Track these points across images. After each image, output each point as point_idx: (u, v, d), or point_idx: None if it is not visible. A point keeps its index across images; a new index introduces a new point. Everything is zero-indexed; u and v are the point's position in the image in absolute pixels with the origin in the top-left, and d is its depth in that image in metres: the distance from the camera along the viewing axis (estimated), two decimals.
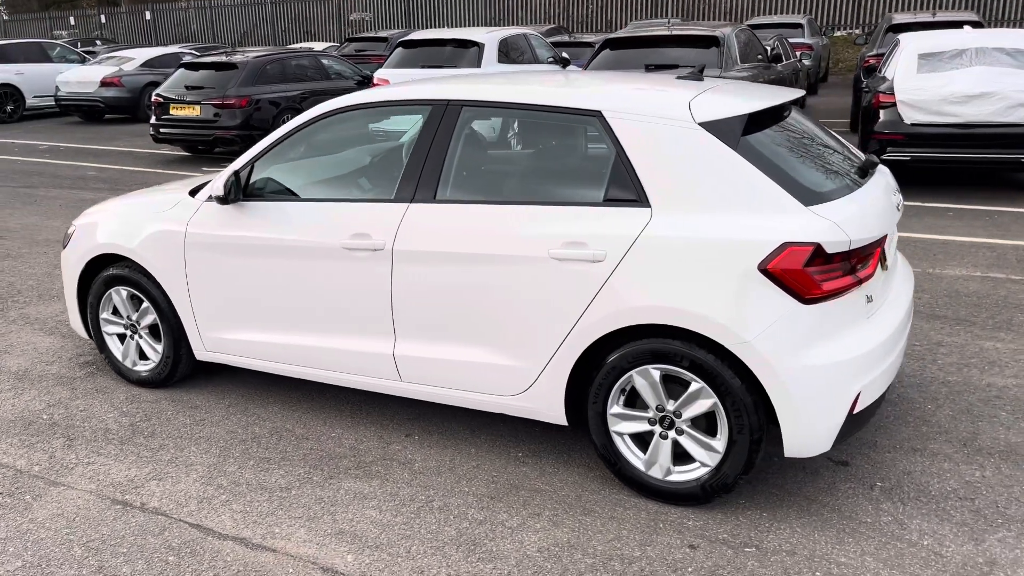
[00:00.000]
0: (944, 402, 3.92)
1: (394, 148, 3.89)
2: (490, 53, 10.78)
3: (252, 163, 3.82)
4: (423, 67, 10.77)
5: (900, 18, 13.32)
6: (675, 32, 9.16)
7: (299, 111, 11.76)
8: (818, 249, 2.81)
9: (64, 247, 4.43)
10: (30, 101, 18.05)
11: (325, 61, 12.80)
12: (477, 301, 3.28)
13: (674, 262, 2.94)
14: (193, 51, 17.79)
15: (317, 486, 3.36)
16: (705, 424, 3.06)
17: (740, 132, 3.03)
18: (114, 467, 3.54)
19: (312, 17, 28.78)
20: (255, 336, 3.86)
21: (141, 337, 4.26)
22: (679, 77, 3.66)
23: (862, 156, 3.53)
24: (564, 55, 12.49)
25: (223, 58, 11.78)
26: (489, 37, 10.94)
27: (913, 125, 8.03)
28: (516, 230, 3.19)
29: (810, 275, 2.81)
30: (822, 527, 3.00)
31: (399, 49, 11.19)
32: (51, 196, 9.68)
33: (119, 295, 4.24)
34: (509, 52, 11.18)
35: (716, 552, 2.88)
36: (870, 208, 3.06)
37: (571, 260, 3.09)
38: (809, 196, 2.94)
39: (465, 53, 10.77)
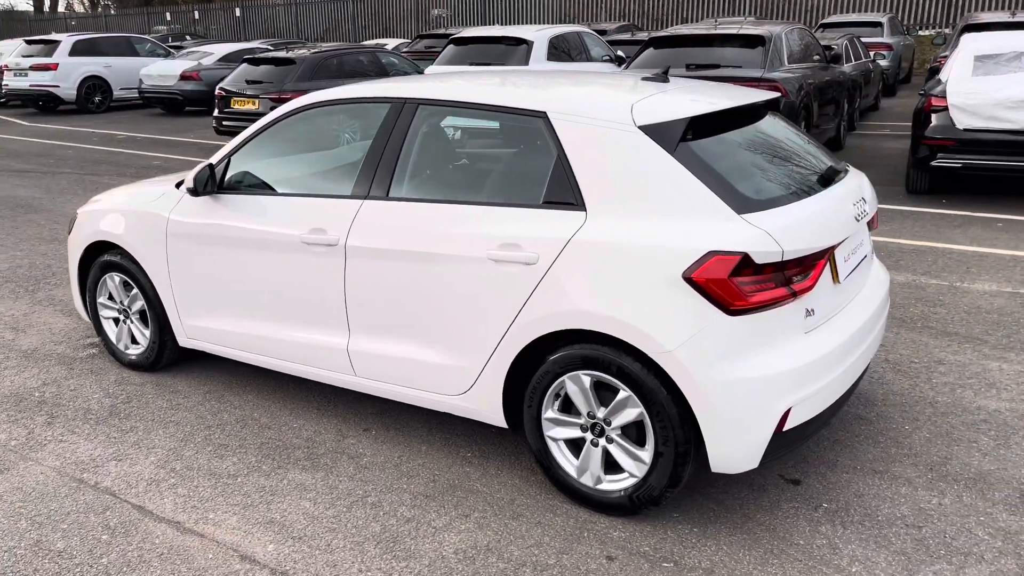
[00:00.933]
0: (924, 423, 3.73)
1: (361, 145, 3.93)
2: (539, 51, 10.75)
3: (228, 157, 3.92)
4: (471, 64, 10.82)
5: (980, 18, 12.67)
6: (719, 31, 8.94)
7: None
8: (745, 259, 2.72)
9: (69, 232, 4.65)
10: (117, 93, 18.94)
11: (385, 58, 13.00)
12: (423, 299, 3.29)
13: (602, 267, 2.89)
14: (269, 47, 18.31)
15: (263, 475, 3.43)
16: (635, 434, 2.99)
17: (680, 136, 2.95)
18: (83, 446, 3.69)
19: (392, 14, 29.26)
20: (227, 325, 3.97)
21: (132, 322, 4.44)
22: (644, 78, 3.58)
23: (828, 162, 3.39)
24: (620, 53, 12.35)
25: (283, 53, 12.10)
26: (539, 35, 10.91)
27: (965, 131, 7.65)
28: (459, 230, 3.19)
29: (736, 285, 2.72)
30: (750, 546, 2.90)
31: (450, 46, 11.28)
32: (112, 184, 10.13)
33: (113, 281, 4.42)
34: (560, 50, 11.13)
35: (632, 565, 2.82)
36: (816, 217, 2.94)
37: (506, 262, 3.07)
38: (746, 203, 2.84)
39: (514, 51, 10.77)
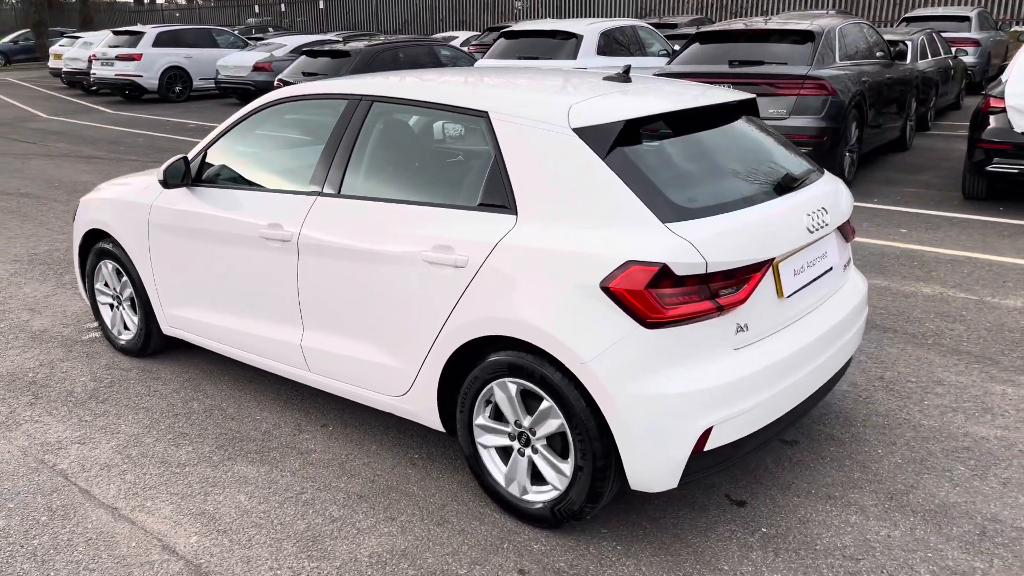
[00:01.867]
0: (900, 448, 3.50)
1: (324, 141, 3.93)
2: (588, 45, 10.60)
3: (205, 150, 3.99)
4: (520, 58, 10.75)
5: None
6: (767, 26, 8.63)
7: None
8: (664, 270, 2.59)
9: (74, 218, 4.81)
10: (196, 83, 19.61)
11: (442, 51, 13.05)
12: (367, 299, 3.27)
13: (525, 273, 2.81)
14: (337, 39, 18.63)
15: (212, 466, 3.48)
16: (560, 445, 2.90)
17: (613, 140, 2.83)
18: (54, 428, 3.82)
19: (470, 6, 29.37)
20: (201, 316, 4.04)
21: (123, 309, 4.57)
22: (605, 78, 3.46)
23: (791, 169, 3.20)
24: (676, 47, 12.06)
25: (340, 46, 12.28)
26: (589, 29, 10.75)
27: (1023, 134, 7.18)
28: (399, 229, 3.16)
29: (654, 297, 2.60)
30: (670, 568, 2.78)
31: (501, 40, 11.23)
32: None
33: (107, 268, 4.56)
34: (612, 45, 10.95)
35: None
36: (754, 228, 2.78)
37: (438, 264, 3.02)
38: (675, 212, 2.71)
39: (563, 45, 10.65)
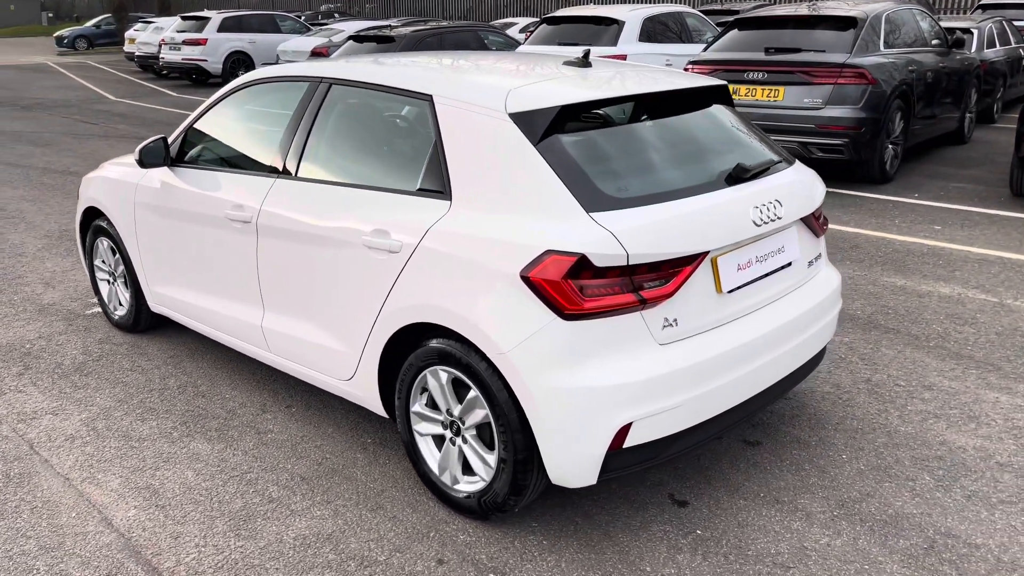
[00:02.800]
0: (867, 454, 3.34)
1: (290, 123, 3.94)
2: (630, 31, 10.41)
3: (185, 131, 4.05)
4: (560, 44, 10.63)
5: None
6: (809, 12, 8.31)
7: None
8: (582, 260, 2.51)
9: (78, 196, 4.96)
10: (258, 67, 20.01)
11: (487, 36, 13.00)
12: (317, 282, 3.28)
13: (453, 261, 2.76)
14: (393, 25, 18.75)
15: (170, 442, 3.54)
16: (488, 436, 2.86)
17: (547, 126, 2.75)
18: (33, 399, 3.95)
19: None
20: (180, 294, 4.11)
21: (117, 285, 4.69)
22: (566, 62, 3.37)
23: (748, 160, 3.06)
24: None
25: (386, 32, 12.35)
26: (632, 15, 10.56)
27: None
28: (345, 213, 3.15)
29: (572, 288, 2.52)
30: (590, 567, 2.71)
31: (543, 26, 11.12)
32: None
33: (103, 245, 4.68)
34: (655, 31, 10.73)
35: (459, 571, 2.70)
36: (688, 219, 2.67)
37: (376, 249, 3.00)
38: (602, 201, 2.62)
39: (604, 31, 10.48)
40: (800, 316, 3.07)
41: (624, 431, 2.58)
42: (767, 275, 2.98)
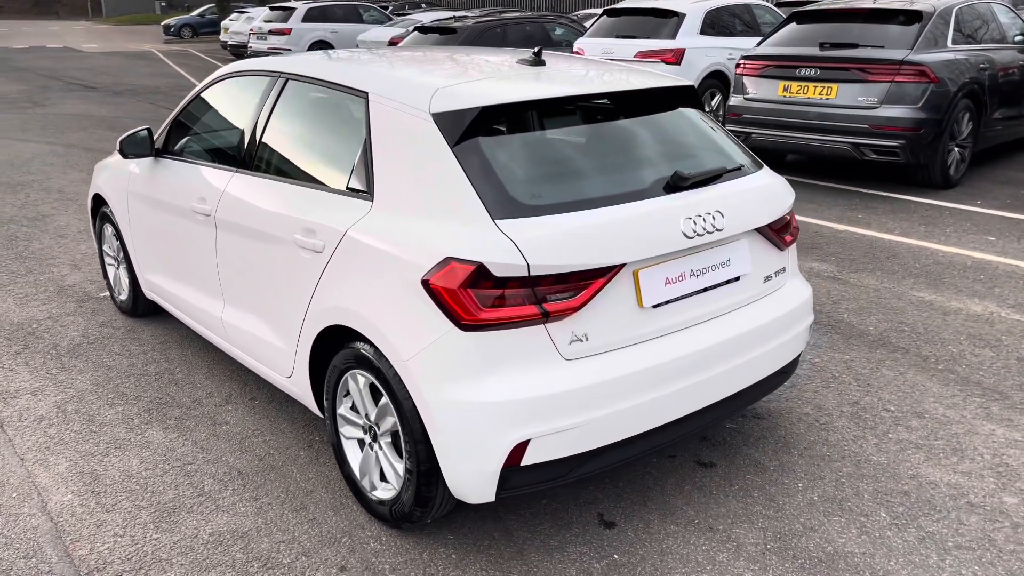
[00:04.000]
0: (825, 484, 3.12)
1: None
2: (691, 25, 10.09)
3: (171, 123, 4.12)
4: (616, 37, 10.40)
5: None
6: (872, 5, 7.86)
7: None
8: (481, 269, 2.41)
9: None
10: None
11: (554, 28, 12.85)
12: (261, 277, 3.27)
13: (366, 264, 2.70)
14: (473, 15, 18.75)
15: (128, 428, 3.61)
16: (400, 444, 2.79)
17: (467, 126, 2.65)
18: (20, 377, 4.10)
19: None
20: (162, 282, 4.19)
21: (120, 270, 4.82)
22: (519, 60, 3.25)
23: (692, 167, 2.88)
24: None
25: (450, 23, 12.36)
26: (694, 7, 10.22)
27: None
28: (284, 209, 3.13)
29: (470, 298, 2.42)
30: None
31: (603, 18, 10.90)
32: None
33: (108, 231, 4.82)
34: (718, 23, 10.37)
35: None
36: (603, 230, 2.53)
37: (304, 247, 2.96)
38: (511, 208, 2.51)
39: (663, 24, 10.19)
40: (748, 333, 2.88)
41: (521, 448, 2.46)
42: (705, 290, 2.80)
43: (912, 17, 7.58)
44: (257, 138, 3.42)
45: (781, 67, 7.88)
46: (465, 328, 2.43)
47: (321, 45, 19.96)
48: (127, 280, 4.70)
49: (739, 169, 3.03)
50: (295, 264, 3.02)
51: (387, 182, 2.77)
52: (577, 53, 10.64)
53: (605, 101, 2.98)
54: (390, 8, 25.21)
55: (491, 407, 2.44)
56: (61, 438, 3.53)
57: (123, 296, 4.83)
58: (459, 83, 2.83)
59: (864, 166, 8.50)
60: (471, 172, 2.57)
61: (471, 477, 2.51)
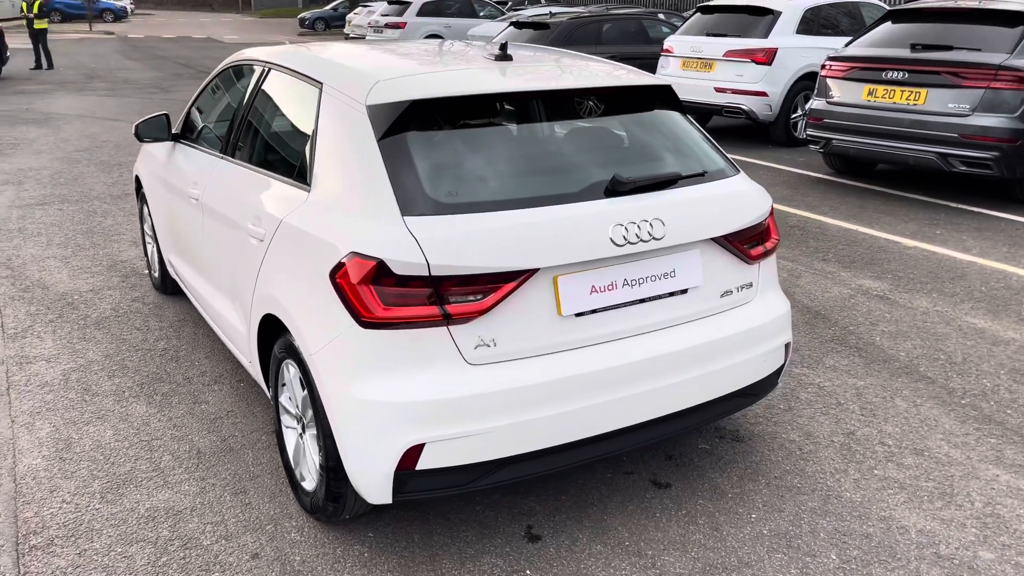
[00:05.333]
0: (783, 517, 2.89)
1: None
2: (786, 23, 9.61)
3: (188, 111, 4.26)
4: (707, 35, 10.04)
5: None
6: (973, 4, 7.25)
7: None
8: (382, 266, 2.36)
9: None
10: None
11: (653, 25, 12.56)
12: (229, 262, 3.34)
13: (291, 255, 2.70)
14: (594, 10, 18.59)
15: (116, 400, 3.76)
16: None
17: (395, 119, 2.60)
18: (42, 345, 4.35)
19: None
20: (176, 262, 4.35)
21: (155, 247, 5.04)
22: (487, 56, 3.16)
23: (636, 171, 2.72)
24: None
25: (546, 18, 12.29)
26: (791, 5, 9.73)
27: None
28: (244, 196, 3.18)
29: (371, 294, 2.37)
30: None
31: (696, 15, 10.56)
32: None
33: (145, 211, 5.05)
34: (817, 23, 9.84)
35: (264, 570, 2.65)
36: (517, 233, 2.42)
37: (252, 235, 3.00)
38: (424, 206, 2.44)
39: (757, 22, 9.75)
40: (696, 349, 2.70)
41: (415, 452, 2.40)
42: (643, 301, 2.64)
43: (1016, 19, 6.95)
44: (236, 126, 3.49)
45: (867, 69, 7.40)
46: (365, 325, 2.39)
47: (435, 38, 20.28)
48: (157, 258, 4.91)
49: (700, 175, 2.84)
50: (248, 251, 3.05)
51: (322, 172, 2.75)
52: (666, 52, 10.37)
53: (560, 99, 2.85)
54: (509, 3, 25.34)
55: (386, 407, 2.38)
56: (55, 404, 3.71)
57: (155, 273, 5.05)
58: (403, 76, 2.78)
59: (957, 179, 7.88)
60: (391, 166, 2.52)
61: (368, 477, 2.46)
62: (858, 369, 4.05)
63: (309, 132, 2.96)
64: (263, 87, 3.44)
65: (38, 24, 18.65)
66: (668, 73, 10.36)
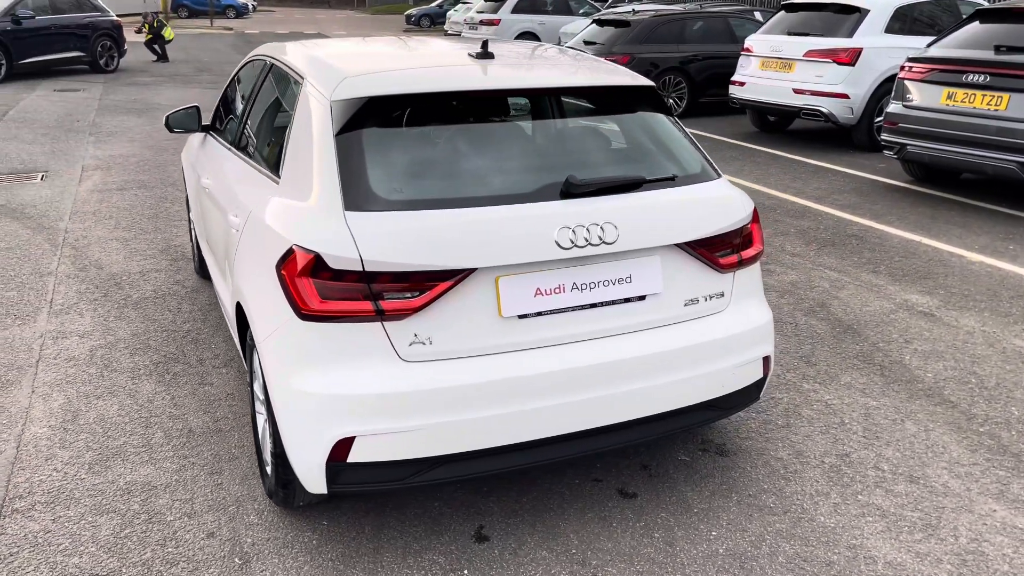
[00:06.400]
0: (743, 536, 2.77)
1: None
2: (874, 21, 9.17)
3: (219, 103, 4.43)
4: (788, 34, 9.69)
5: None
6: None
7: (682, 72, 11.60)
8: (318, 260, 2.39)
9: None
10: None
11: (740, 23, 12.22)
12: (221, 250, 3.46)
13: (253, 246, 2.77)
14: (678, 8, 18.27)
15: (131, 377, 3.94)
16: None
17: (352, 115, 2.63)
18: (81, 321, 4.60)
19: None
20: (203, 246, 4.53)
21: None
22: (470, 54, 3.14)
23: (592, 173, 2.65)
24: None
25: (628, 16, 12.14)
26: (881, 3, 9.27)
27: None
28: (233, 187, 3.28)
29: (309, 287, 2.41)
30: None
31: (780, 13, 10.19)
32: None
33: (186, 199, 5.28)
34: (907, 22, 9.35)
35: (215, 549, 2.73)
36: (456, 232, 2.41)
37: (231, 227, 3.09)
38: (365, 201, 2.46)
39: (842, 20, 9.34)
40: (652, 358, 2.63)
41: (346, 444, 2.42)
42: (594, 306, 2.58)
43: None
44: (241, 119, 3.60)
45: (947, 71, 6.99)
46: (304, 317, 2.43)
47: (527, 37, 20.34)
48: (194, 243, 5.12)
49: (670, 179, 2.75)
50: (230, 240, 3.15)
51: (290, 165, 2.81)
52: (746, 51, 10.08)
53: (529, 98, 2.82)
54: (609, 1, 25.11)
55: (319, 399, 2.42)
56: (74, 378, 3.93)
57: (197, 258, 5.27)
58: (370, 73, 2.81)
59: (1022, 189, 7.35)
60: (342, 161, 2.56)
61: (304, 466, 2.50)
62: (874, 388, 3.84)
63: (287, 126, 3.03)
64: (265, 83, 3.54)
65: (168, 35, 19.76)
66: (746, 74, 10.06)
